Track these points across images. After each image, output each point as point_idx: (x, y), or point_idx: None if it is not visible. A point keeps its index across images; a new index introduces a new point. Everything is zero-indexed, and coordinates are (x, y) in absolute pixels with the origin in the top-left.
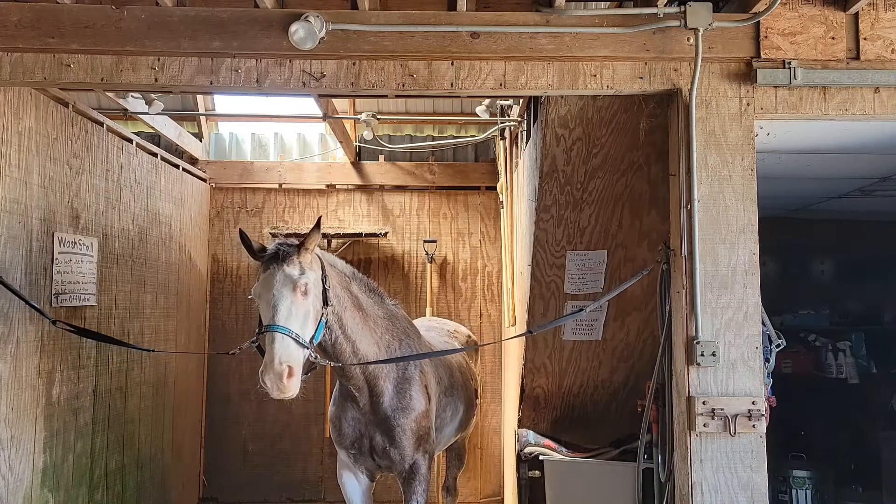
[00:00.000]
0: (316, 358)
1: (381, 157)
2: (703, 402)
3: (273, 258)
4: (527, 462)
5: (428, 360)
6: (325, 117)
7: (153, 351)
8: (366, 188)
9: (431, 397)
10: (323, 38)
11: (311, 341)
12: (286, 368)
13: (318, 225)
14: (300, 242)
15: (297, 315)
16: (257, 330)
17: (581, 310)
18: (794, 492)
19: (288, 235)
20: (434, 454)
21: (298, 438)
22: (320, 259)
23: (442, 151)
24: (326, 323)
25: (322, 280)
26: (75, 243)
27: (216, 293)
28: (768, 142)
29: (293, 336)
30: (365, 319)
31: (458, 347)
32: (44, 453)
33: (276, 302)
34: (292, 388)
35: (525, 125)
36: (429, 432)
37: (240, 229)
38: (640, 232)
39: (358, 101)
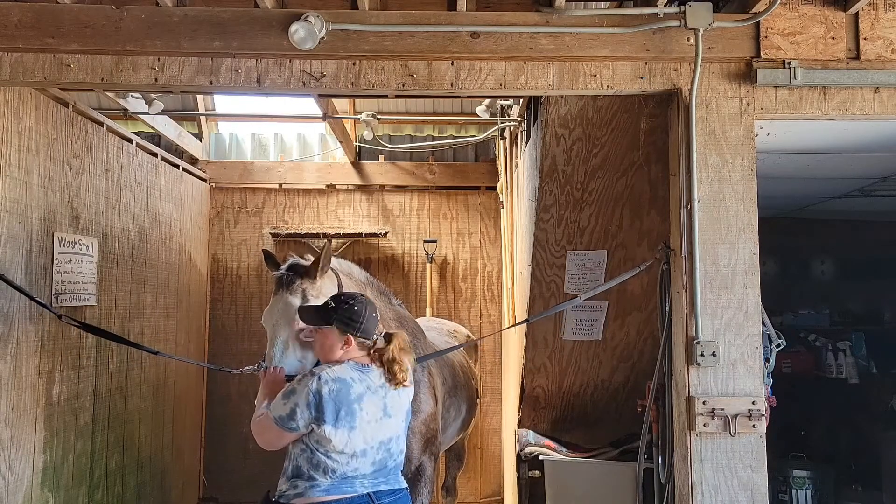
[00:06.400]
0: None
1: (382, 157)
2: (703, 402)
3: (278, 283)
4: (527, 462)
5: (433, 360)
6: (325, 117)
7: (157, 353)
8: (366, 188)
9: (439, 399)
10: (323, 38)
11: None
12: None
13: (327, 251)
14: (308, 266)
15: (295, 348)
16: (262, 359)
17: (576, 296)
18: (794, 492)
19: (288, 235)
20: (439, 455)
21: None
22: (337, 275)
23: (442, 151)
24: None
25: None
26: (75, 243)
27: (216, 293)
28: (768, 142)
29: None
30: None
31: (461, 343)
32: (44, 453)
33: (274, 335)
34: None
35: (525, 125)
36: (436, 434)
37: (264, 250)
38: (640, 232)
39: (358, 101)
